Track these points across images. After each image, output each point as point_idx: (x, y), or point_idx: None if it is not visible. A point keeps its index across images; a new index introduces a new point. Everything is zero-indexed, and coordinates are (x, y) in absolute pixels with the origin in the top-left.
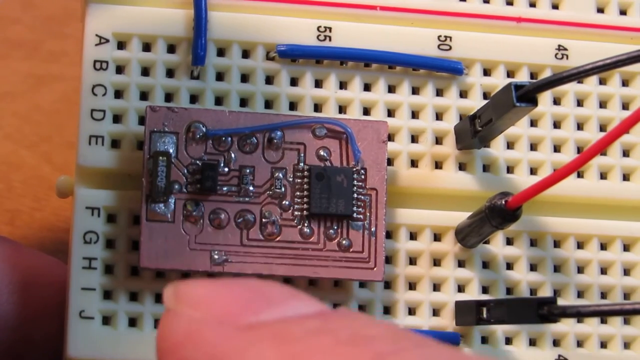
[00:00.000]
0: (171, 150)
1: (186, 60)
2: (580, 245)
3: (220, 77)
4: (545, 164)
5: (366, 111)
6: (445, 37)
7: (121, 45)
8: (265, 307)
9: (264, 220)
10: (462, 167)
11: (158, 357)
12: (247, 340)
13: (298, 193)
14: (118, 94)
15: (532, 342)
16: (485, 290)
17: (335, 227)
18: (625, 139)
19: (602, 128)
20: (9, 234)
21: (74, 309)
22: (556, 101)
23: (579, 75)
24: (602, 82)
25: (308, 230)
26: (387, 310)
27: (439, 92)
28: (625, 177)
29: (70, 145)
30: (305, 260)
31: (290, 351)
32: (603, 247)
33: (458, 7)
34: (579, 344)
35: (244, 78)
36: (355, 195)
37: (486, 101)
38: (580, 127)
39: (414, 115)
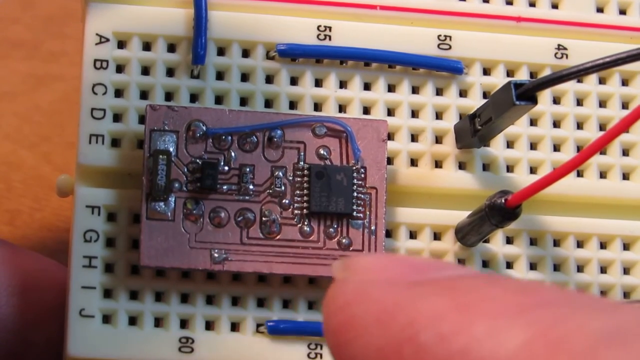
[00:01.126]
0: (171, 149)
1: (186, 59)
2: (580, 244)
3: (220, 76)
4: (545, 163)
5: (366, 110)
6: (445, 36)
7: (121, 45)
8: (433, 270)
9: (264, 218)
10: (461, 166)
11: (325, 322)
12: (418, 292)
13: (298, 192)
14: (118, 93)
15: None
16: None
17: (335, 226)
18: (625, 138)
19: (601, 127)
20: (9, 234)
21: (74, 308)
22: (556, 100)
23: (579, 73)
24: (601, 81)
25: (308, 229)
26: None
27: (439, 92)
28: (625, 176)
29: (70, 145)
30: (305, 259)
31: (461, 299)
32: (603, 246)
33: (458, 6)
34: None
35: (244, 77)
36: (355, 194)
37: (486, 100)
38: (580, 126)
39: (414, 114)
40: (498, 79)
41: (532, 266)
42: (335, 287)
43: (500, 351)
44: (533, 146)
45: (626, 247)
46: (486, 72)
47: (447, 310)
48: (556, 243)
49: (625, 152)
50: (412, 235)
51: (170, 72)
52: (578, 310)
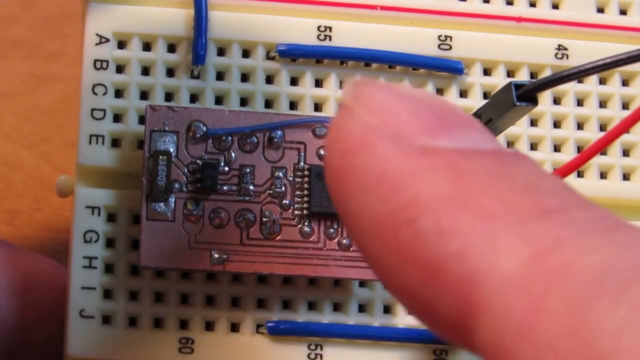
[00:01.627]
0: (171, 150)
1: (186, 59)
2: None
3: (220, 76)
4: (545, 163)
5: None
6: (446, 36)
7: (121, 45)
8: (444, 132)
9: (264, 219)
10: None
11: (326, 156)
12: (421, 165)
13: (298, 192)
14: (118, 93)
15: None
16: None
17: (336, 227)
18: (626, 139)
19: (602, 128)
20: (8, 234)
21: (74, 308)
22: (556, 101)
23: (580, 74)
24: (602, 81)
25: (308, 230)
26: (388, 310)
27: (439, 92)
28: (626, 177)
29: (70, 146)
30: (305, 260)
31: (463, 187)
32: None
33: (458, 7)
34: None
35: (244, 77)
36: None
37: (486, 101)
38: (580, 126)
39: None
40: (498, 80)
41: None
42: (341, 120)
43: (497, 267)
44: (533, 146)
45: None
46: (486, 72)
47: (449, 200)
48: None
49: (625, 153)
50: None
51: (170, 73)
52: (578, 233)
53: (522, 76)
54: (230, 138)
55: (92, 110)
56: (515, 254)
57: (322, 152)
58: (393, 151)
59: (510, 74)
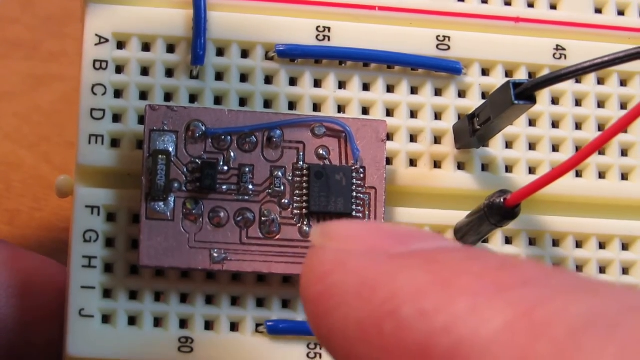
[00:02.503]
0: (171, 149)
1: (185, 59)
2: (579, 244)
3: (219, 76)
4: (544, 163)
5: (365, 110)
6: (444, 37)
7: (121, 45)
8: (414, 241)
9: (263, 218)
10: (460, 166)
11: (302, 292)
12: (398, 265)
13: (297, 192)
14: (118, 94)
15: None
16: None
17: None
18: (624, 138)
19: (600, 127)
20: (8, 234)
21: (74, 308)
22: (554, 101)
23: (577, 73)
24: (600, 81)
25: (307, 229)
26: None
27: (438, 92)
28: (624, 177)
29: (69, 146)
30: (304, 259)
31: (440, 274)
32: (602, 246)
33: (456, 7)
34: None
35: (243, 78)
36: (354, 194)
37: (485, 100)
38: (578, 126)
39: (413, 114)
40: (497, 80)
41: None
42: (313, 256)
43: (481, 331)
44: (532, 146)
45: (625, 247)
46: (485, 72)
47: (429, 285)
48: (555, 243)
49: (624, 152)
50: None
51: (169, 73)
52: (559, 292)
53: (521, 76)
54: (229, 138)
55: (92, 110)
56: (499, 317)
57: (321, 151)
58: (369, 262)
59: (508, 74)
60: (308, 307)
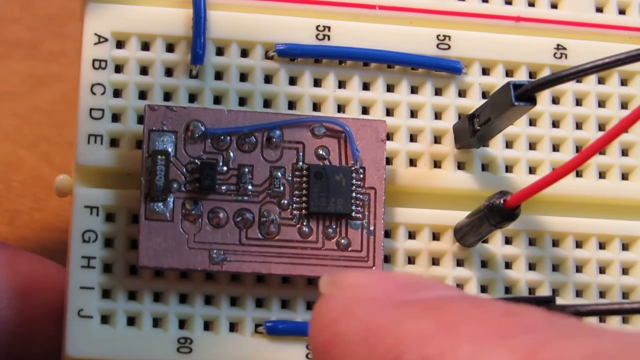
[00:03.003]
0: (170, 149)
1: (185, 59)
2: (579, 245)
3: (219, 76)
4: (544, 163)
5: (365, 110)
6: (444, 36)
7: (120, 45)
8: (420, 290)
9: (262, 219)
10: (460, 166)
11: (311, 338)
12: (404, 313)
13: (297, 192)
14: (117, 93)
15: None
16: (484, 289)
17: (334, 226)
18: (624, 138)
19: (600, 127)
20: (8, 234)
21: (73, 308)
22: (555, 100)
23: (578, 74)
24: (600, 81)
25: (307, 229)
26: None
27: (438, 91)
28: (624, 177)
29: (69, 145)
30: (304, 259)
31: (446, 321)
32: (602, 246)
33: (457, 6)
34: None
35: (243, 77)
36: (354, 194)
37: (485, 100)
38: (579, 126)
39: (413, 114)
40: (497, 79)
41: (531, 266)
42: (322, 303)
43: None
44: (532, 146)
45: (625, 247)
46: (485, 72)
47: (433, 332)
48: (555, 243)
49: (624, 152)
50: (411, 235)
51: (169, 72)
52: (561, 335)
53: (521, 76)
54: (228, 138)
55: (91, 110)
56: None
57: (320, 152)
58: (376, 310)
59: (509, 73)
60: (316, 354)
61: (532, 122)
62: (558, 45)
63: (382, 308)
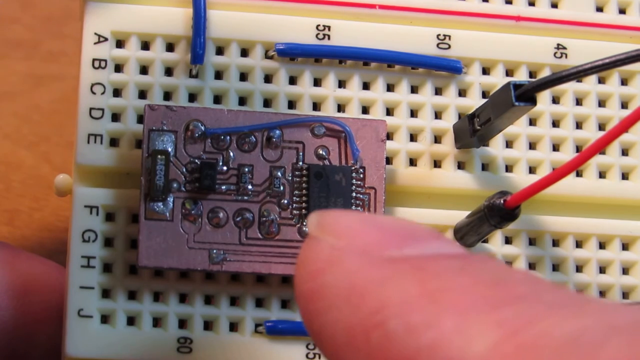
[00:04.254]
0: (170, 149)
1: (185, 58)
2: (579, 244)
3: (219, 75)
4: (544, 163)
5: (365, 110)
6: (444, 35)
7: (120, 44)
8: (409, 243)
9: (262, 219)
10: (460, 166)
11: (296, 283)
12: (388, 272)
13: (297, 192)
14: (117, 93)
15: None
16: None
17: None
18: (625, 138)
19: (601, 127)
20: (8, 234)
21: (73, 308)
22: (555, 100)
23: (578, 74)
24: (601, 81)
25: (307, 229)
26: None
27: (438, 91)
28: (625, 176)
29: (69, 145)
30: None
31: (430, 286)
32: (602, 246)
33: (457, 6)
34: None
35: (243, 77)
36: (354, 194)
37: (485, 100)
38: (579, 126)
39: (413, 114)
40: (497, 79)
41: (531, 266)
42: (309, 248)
43: (468, 352)
44: (532, 146)
45: (625, 247)
46: (485, 71)
47: (417, 298)
48: (555, 243)
49: (624, 152)
50: None
51: (168, 72)
52: (547, 311)
53: (521, 75)
54: (228, 137)
55: (91, 109)
56: (487, 337)
57: (320, 151)
58: (361, 264)
59: (509, 73)
60: (301, 302)
61: (532, 122)
62: (558, 44)
63: (367, 262)
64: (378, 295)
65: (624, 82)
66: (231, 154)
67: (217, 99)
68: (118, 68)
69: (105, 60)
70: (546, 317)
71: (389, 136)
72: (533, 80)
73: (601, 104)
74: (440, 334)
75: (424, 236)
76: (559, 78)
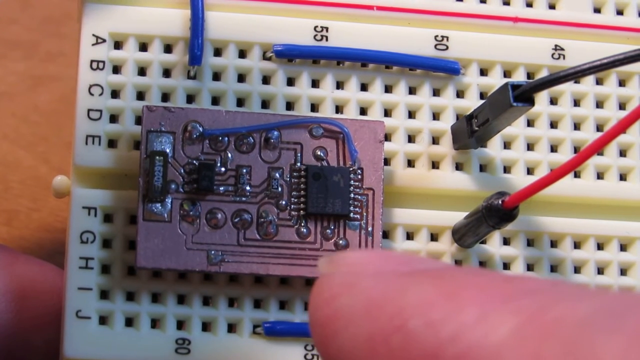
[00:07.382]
0: (168, 150)
1: (183, 60)
2: (577, 245)
3: (216, 77)
4: (542, 164)
5: (363, 111)
6: (442, 37)
7: (118, 45)
8: (421, 262)
9: (260, 220)
10: (458, 167)
11: (311, 316)
12: (406, 282)
13: (295, 193)
14: (115, 94)
15: None
16: None
17: (332, 227)
18: (623, 139)
19: (599, 128)
20: (6, 235)
21: (71, 309)
22: (553, 101)
23: (576, 75)
24: (599, 82)
25: (305, 230)
26: None
27: (436, 92)
28: (622, 177)
29: (67, 146)
30: (302, 260)
31: (447, 287)
32: (600, 247)
33: (455, 7)
34: None
35: (241, 78)
36: (352, 195)
37: (483, 101)
38: (577, 127)
39: (411, 115)
40: (495, 80)
41: (529, 267)
42: (321, 281)
43: (490, 337)
44: (530, 147)
45: (623, 248)
46: (483, 72)
47: (436, 298)
48: (553, 244)
49: (622, 153)
50: (409, 236)
51: (166, 73)
52: (564, 296)
53: (519, 76)
54: (226, 138)
55: (89, 110)
56: (507, 323)
57: (318, 152)
58: (377, 281)
59: (506, 74)
60: (316, 330)
61: (530, 123)
62: (556, 45)
63: (383, 280)
64: (397, 301)
65: (621, 83)
66: (229, 155)
67: (215, 100)
68: (116, 69)
69: (103, 62)
70: (565, 301)
71: (387, 137)
72: (531, 81)
73: (599, 104)
74: (461, 325)
75: (431, 260)
76: (556, 79)
